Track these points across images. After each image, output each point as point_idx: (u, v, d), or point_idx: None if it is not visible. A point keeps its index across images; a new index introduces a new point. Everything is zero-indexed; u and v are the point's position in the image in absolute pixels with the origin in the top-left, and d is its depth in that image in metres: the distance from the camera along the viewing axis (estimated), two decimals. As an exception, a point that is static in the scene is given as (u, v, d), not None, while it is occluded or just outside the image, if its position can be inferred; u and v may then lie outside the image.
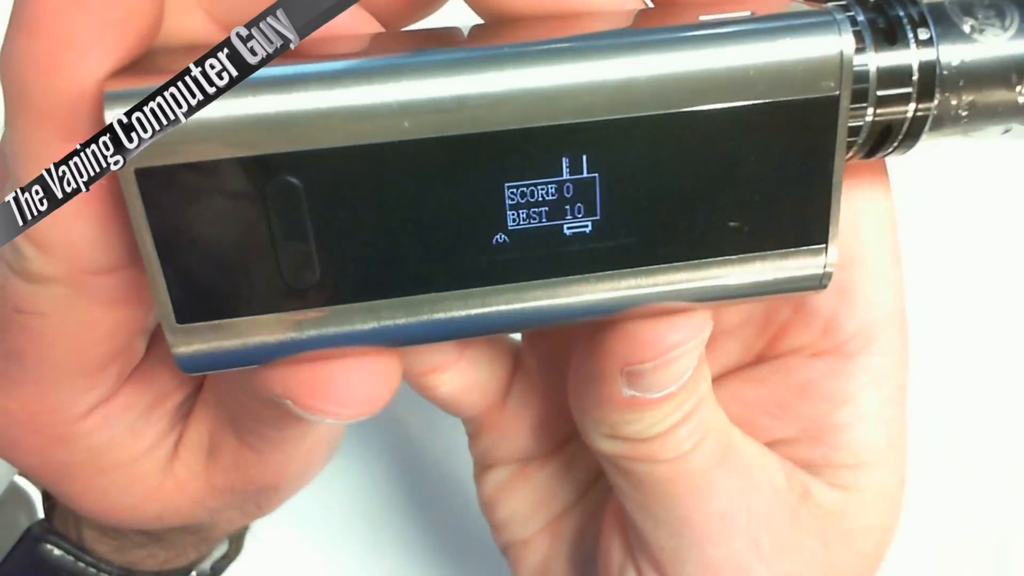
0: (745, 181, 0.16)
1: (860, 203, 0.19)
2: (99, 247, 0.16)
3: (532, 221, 0.16)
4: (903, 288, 0.20)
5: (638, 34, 0.15)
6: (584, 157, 0.16)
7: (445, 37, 0.16)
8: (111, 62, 0.14)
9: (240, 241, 0.15)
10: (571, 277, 0.17)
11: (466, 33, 0.17)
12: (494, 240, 0.16)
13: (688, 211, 0.16)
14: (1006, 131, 0.17)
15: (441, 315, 0.16)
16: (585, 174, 0.16)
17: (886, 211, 0.20)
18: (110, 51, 0.14)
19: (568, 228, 0.16)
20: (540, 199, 0.16)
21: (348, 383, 0.17)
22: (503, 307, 0.17)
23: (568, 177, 0.16)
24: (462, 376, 0.21)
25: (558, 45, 0.15)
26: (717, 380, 0.21)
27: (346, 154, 0.15)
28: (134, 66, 0.15)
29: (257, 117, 0.14)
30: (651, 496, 0.20)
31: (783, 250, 0.17)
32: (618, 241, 0.16)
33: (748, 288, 0.17)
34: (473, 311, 0.16)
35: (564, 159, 0.16)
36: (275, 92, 0.14)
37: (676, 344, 0.17)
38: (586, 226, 0.16)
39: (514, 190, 0.16)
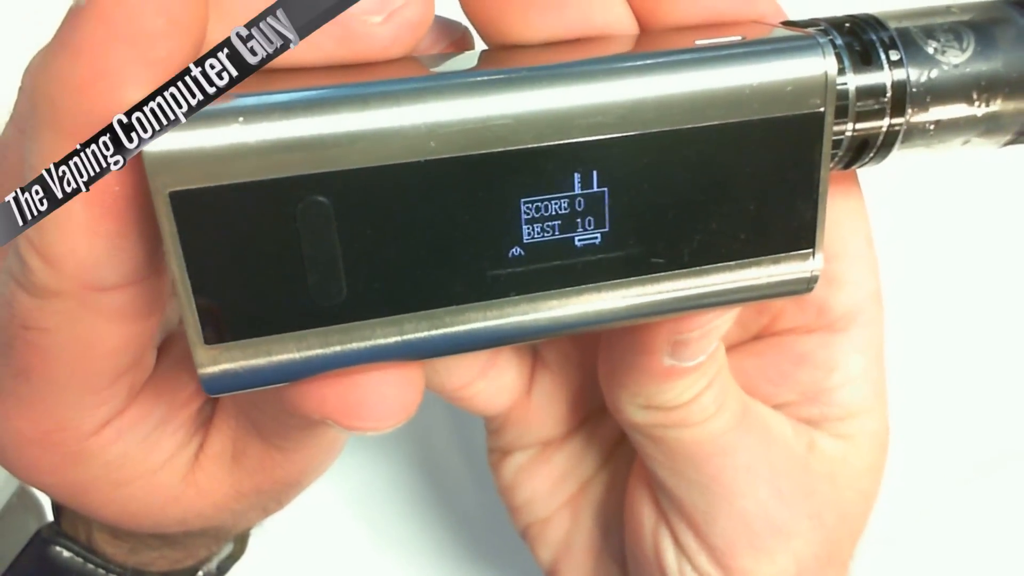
0: (740, 192, 0.17)
1: (837, 203, 0.21)
2: (107, 264, 0.16)
3: (546, 234, 0.17)
4: (878, 268, 0.23)
5: (643, 58, 0.16)
6: (595, 173, 0.17)
7: (460, 60, 0.17)
8: (144, 92, 0.15)
9: (269, 261, 0.16)
10: (581, 286, 0.17)
11: (478, 56, 0.18)
12: (510, 253, 0.17)
13: (689, 221, 0.17)
14: (965, 142, 0.19)
15: (461, 327, 0.17)
16: (595, 188, 0.17)
17: (859, 205, 0.22)
18: (146, 84, 0.14)
19: (579, 240, 0.17)
20: (554, 213, 0.17)
21: (382, 398, 0.17)
22: (519, 318, 0.17)
23: (580, 192, 0.17)
24: (493, 383, 0.23)
25: (573, 68, 0.16)
26: None
27: (374, 174, 0.15)
28: None
29: (289, 140, 0.15)
30: (682, 459, 0.22)
31: (774, 255, 0.18)
32: (625, 251, 0.17)
33: (742, 292, 0.18)
34: (491, 322, 0.17)
35: (576, 175, 0.17)
36: (306, 115, 0.15)
37: (717, 315, 0.19)
38: (596, 238, 0.17)
39: (529, 205, 0.17)
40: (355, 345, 0.17)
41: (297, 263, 0.16)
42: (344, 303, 0.16)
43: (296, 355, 0.17)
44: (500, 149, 0.16)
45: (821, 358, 0.23)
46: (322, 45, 0.16)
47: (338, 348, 0.17)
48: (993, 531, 0.38)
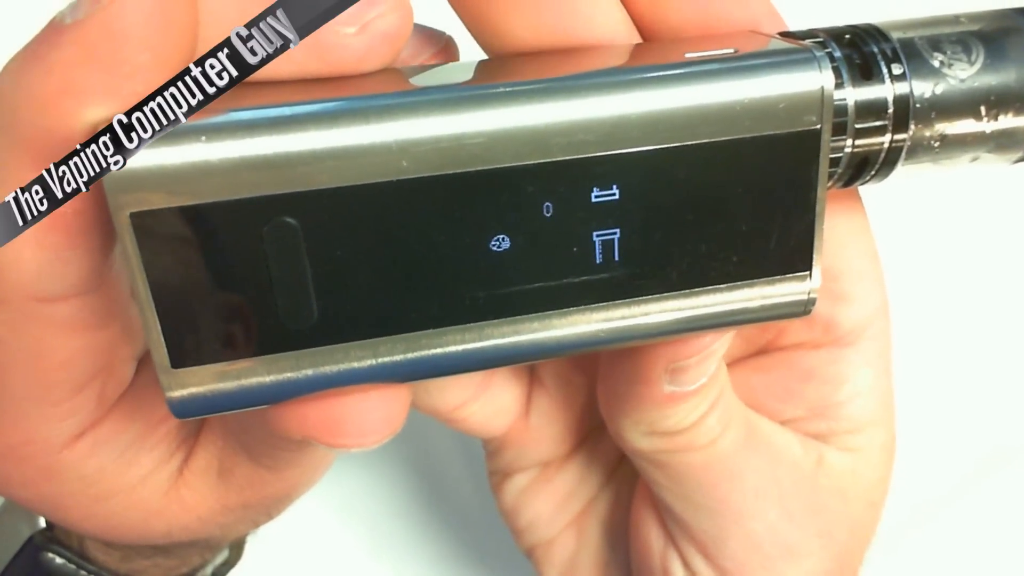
0: (733, 212, 0.17)
1: (840, 221, 0.21)
2: (51, 275, 0.16)
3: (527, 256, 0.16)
4: (884, 281, 0.22)
5: (628, 72, 0.16)
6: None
7: (443, 73, 0.17)
8: (108, 115, 0.14)
9: (237, 283, 0.15)
10: (566, 309, 0.17)
11: (462, 68, 0.17)
12: (489, 275, 0.16)
13: (679, 243, 0.17)
14: (974, 159, 0.18)
15: (439, 351, 0.16)
16: None
17: (862, 222, 0.21)
18: (113, 108, 0.14)
19: None
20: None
21: (365, 415, 0.17)
22: (500, 341, 0.17)
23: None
24: (489, 405, 0.23)
25: (552, 84, 0.15)
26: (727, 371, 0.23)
27: (344, 194, 0.15)
28: None
29: (254, 159, 0.14)
30: (689, 484, 0.22)
31: (770, 278, 0.17)
32: (611, 274, 0.17)
33: (736, 316, 0.18)
34: (471, 346, 0.17)
35: (559, 195, 0.16)
36: (272, 134, 0.14)
37: (714, 339, 0.19)
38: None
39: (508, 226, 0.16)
40: (328, 369, 0.16)
41: (265, 286, 0.15)
42: (315, 326, 0.16)
43: (267, 379, 0.16)
44: (477, 168, 0.15)
45: (829, 373, 0.22)
46: (293, 57, 0.15)
47: (310, 372, 0.16)
48: (994, 529, 0.38)
